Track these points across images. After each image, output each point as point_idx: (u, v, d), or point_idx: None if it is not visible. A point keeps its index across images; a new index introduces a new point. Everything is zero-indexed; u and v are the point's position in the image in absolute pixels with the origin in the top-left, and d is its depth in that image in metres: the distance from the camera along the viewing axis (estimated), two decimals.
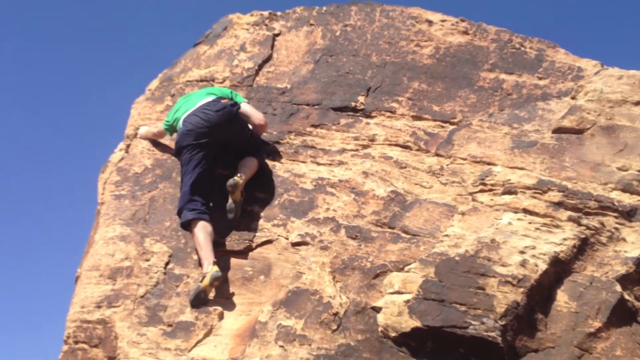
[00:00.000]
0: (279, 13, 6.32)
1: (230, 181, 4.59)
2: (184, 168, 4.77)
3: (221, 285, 4.40)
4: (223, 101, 4.93)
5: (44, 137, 23.88)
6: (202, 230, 4.52)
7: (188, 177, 4.70)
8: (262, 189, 4.90)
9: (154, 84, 6.13)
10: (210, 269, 4.33)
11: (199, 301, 4.35)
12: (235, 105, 4.96)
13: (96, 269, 4.71)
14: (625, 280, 3.93)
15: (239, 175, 4.68)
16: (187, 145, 4.76)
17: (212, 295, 4.37)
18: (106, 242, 4.83)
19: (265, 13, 6.33)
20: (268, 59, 5.92)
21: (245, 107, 5.10)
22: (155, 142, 5.51)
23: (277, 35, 6.11)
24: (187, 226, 4.62)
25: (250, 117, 5.08)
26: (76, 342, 4.44)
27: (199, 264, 4.55)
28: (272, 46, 6.02)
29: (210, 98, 4.96)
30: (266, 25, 6.22)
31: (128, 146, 5.58)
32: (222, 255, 4.57)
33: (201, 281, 4.33)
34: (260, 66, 5.86)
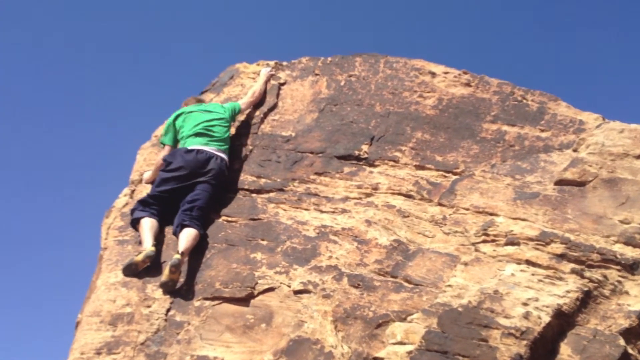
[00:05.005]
0: (284, 63, 6.44)
1: (174, 260, 4.62)
2: (160, 178, 5.24)
3: (222, 332, 4.38)
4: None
5: (50, 182, 24.00)
6: (149, 223, 4.96)
7: (158, 188, 5.19)
8: (265, 236, 4.91)
9: (160, 130, 6.20)
10: (147, 248, 4.79)
11: (129, 272, 4.74)
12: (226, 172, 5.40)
13: (97, 314, 4.68)
14: (628, 334, 3.90)
15: (181, 253, 4.70)
16: (180, 168, 5.21)
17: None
18: (108, 288, 4.82)
19: (272, 63, 6.45)
20: (273, 107, 6.00)
21: (245, 100, 5.93)
22: None
23: (283, 84, 6.21)
24: (137, 223, 5.04)
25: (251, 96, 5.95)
26: None
27: (139, 242, 4.97)
28: (278, 95, 6.11)
29: (217, 151, 5.34)
30: (272, 74, 6.33)
31: (133, 191, 5.61)
32: (223, 302, 4.56)
33: (136, 256, 4.76)
34: (266, 114, 5.94)
